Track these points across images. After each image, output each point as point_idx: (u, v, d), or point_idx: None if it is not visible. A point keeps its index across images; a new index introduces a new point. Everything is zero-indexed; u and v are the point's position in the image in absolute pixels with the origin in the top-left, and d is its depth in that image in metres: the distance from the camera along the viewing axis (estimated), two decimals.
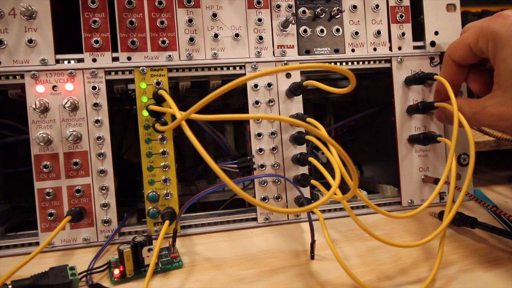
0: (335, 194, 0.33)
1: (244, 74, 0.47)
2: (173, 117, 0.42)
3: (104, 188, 0.44)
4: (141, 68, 0.44)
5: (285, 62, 0.48)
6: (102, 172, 0.43)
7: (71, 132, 0.42)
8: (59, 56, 0.44)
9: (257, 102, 0.47)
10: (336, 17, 0.50)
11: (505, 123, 0.39)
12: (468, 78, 0.45)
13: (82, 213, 0.42)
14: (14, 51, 0.42)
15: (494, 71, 0.40)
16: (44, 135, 0.42)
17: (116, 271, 0.37)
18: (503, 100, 0.38)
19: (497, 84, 0.39)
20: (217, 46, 0.47)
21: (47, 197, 0.42)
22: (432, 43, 0.52)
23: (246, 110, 0.48)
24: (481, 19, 0.41)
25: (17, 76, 0.42)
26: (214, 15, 0.46)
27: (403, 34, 0.51)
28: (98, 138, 0.43)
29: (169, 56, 0.45)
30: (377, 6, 0.50)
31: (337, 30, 0.50)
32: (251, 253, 0.41)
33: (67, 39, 0.47)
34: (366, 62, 0.50)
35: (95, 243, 0.44)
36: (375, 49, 0.51)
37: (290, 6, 0.49)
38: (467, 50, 0.42)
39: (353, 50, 0.50)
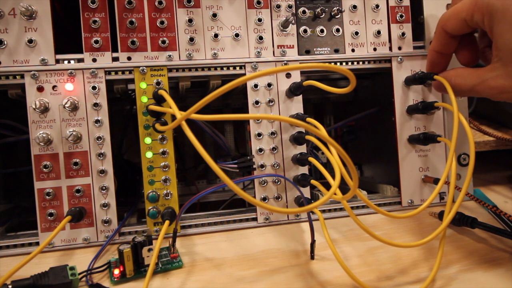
0: (335, 194, 0.33)
1: (244, 74, 0.47)
2: (173, 117, 0.42)
3: (104, 188, 0.44)
4: (141, 68, 0.44)
5: (285, 62, 0.48)
6: (102, 172, 0.43)
7: (71, 132, 0.42)
8: (59, 56, 0.44)
9: (257, 102, 0.47)
10: (336, 17, 0.50)
11: (506, 96, 0.39)
12: (457, 48, 0.44)
13: (82, 213, 0.42)
14: (14, 51, 0.42)
15: (492, 43, 0.39)
16: (44, 135, 0.42)
17: (116, 271, 0.37)
18: (504, 74, 0.38)
19: (497, 57, 0.39)
20: (217, 46, 0.47)
21: (47, 197, 0.42)
22: None
23: (246, 110, 0.48)
24: None
25: (17, 76, 0.42)
26: (214, 15, 0.46)
27: (403, 34, 0.51)
28: (98, 138, 0.43)
29: (169, 56, 0.45)
30: (377, 6, 0.50)
31: (337, 30, 0.50)
32: (251, 253, 0.41)
33: (67, 39, 0.47)
34: (366, 62, 0.50)
35: (95, 243, 0.44)
36: (375, 49, 0.51)
37: (290, 6, 0.49)
38: (461, 23, 0.41)
39: (353, 50, 0.50)
